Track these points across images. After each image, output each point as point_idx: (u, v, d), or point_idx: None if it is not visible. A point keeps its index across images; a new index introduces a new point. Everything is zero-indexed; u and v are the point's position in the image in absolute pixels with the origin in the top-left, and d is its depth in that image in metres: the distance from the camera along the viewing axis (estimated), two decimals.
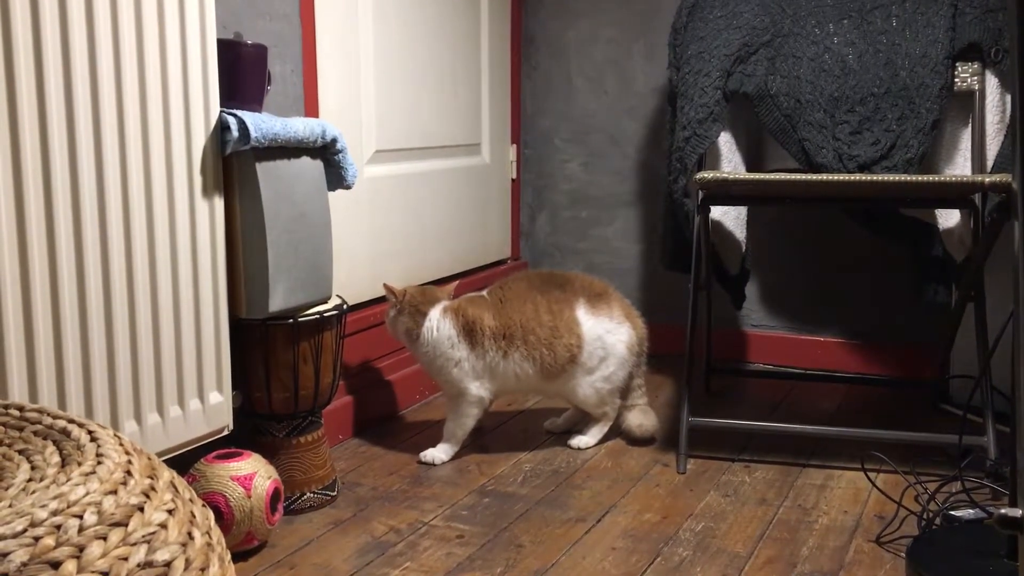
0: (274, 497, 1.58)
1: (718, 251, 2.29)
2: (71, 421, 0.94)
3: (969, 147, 2.05)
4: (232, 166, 1.60)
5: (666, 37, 2.42)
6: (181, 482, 0.94)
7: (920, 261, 2.29)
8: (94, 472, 0.83)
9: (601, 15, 2.80)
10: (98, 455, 0.87)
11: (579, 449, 2.07)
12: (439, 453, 2.00)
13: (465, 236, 2.65)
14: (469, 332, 1.98)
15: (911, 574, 1.47)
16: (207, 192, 1.55)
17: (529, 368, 1.99)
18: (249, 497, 1.53)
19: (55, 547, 0.74)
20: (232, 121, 1.55)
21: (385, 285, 2.02)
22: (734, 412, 2.31)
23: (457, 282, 2.16)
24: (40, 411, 0.96)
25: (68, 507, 0.78)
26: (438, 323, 1.98)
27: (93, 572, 0.75)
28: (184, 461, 1.58)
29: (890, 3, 2.10)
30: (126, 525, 0.80)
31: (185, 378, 1.55)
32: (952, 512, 1.63)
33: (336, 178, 1.78)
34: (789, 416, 2.28)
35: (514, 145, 2.90)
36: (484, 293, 2.07)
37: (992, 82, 2.01)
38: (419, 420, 2.27)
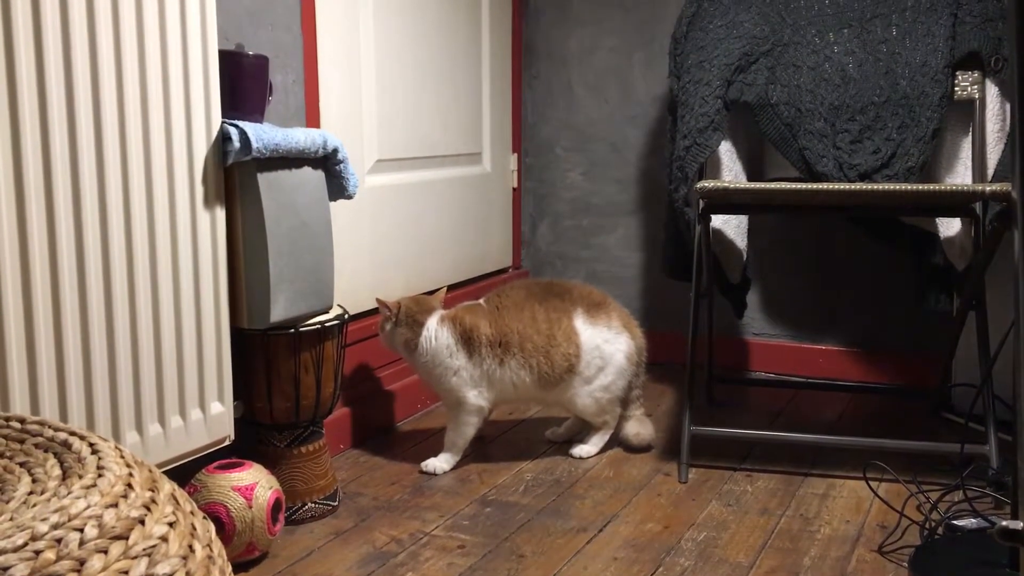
0: (275, 507, 1.58)
1: (719, 260, 2.29)
2: (72, 433, 0.94)
3: (970, 156, 2.05)
4: (234, 176, 1.60)
5: (667, 46, 2.43)
6: (182, 494, 0.94)
7: (921, 270, 2.29)
8: (95, 485, 0.83)
9: (602, 24, 2.81)
10: (99, 468, 0.87)
11: (580, 458, 2.07)
12: (440, 463, 1.99)
13: (466, 245, 2.66)
14: (467, 340, 1.98)
15: None
16: (208, 202, 1.56)
17: (526, 376, 1.99)
18: (250, 507, 1.53)
19: (56, 561, 0.74)
20: (234, 131, 1.56)
21: (378, 300, 2.02)
22: (736, 421, 2.31)
23: (445, 287, 2.16)
24: (41, 423, 0.96)
25: (69, 520, 0.78)
26: (436, 332, 1.98)
27: None
28: (185, 471, 1.58)
29: (890, 12, 2.10)
30: (127, 538, 0.80)
31: (186, 388, 1.55)
32: (954, 521, 1.63)
33: (337, 188, 1.79)
34: (791, 425, 2.28)
35: (515, 154, 2.90)
36: (481, 301, 2.07)
37: (992, 91, 2.02)
38: (420, 430, 2.27)
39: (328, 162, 1.75)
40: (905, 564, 1.57)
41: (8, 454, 0.91)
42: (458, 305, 2.07)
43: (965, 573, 1.46)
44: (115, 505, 0.82)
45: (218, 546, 0.93)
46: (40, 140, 1.28)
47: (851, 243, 2.56)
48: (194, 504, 0.96)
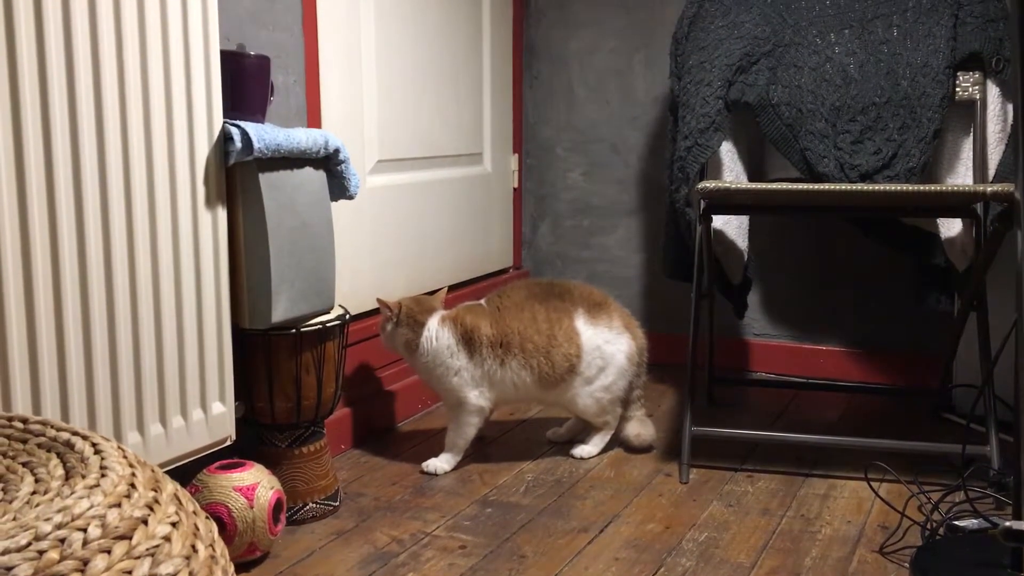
0: (276, 507, 1.58)
1: (720, 260, 2.29)
2: (75, 433, 0.94)
3: (971, 156, 2.05)
4: (235, 177, 1.60)
5: (667, 47, 2.43)
6: (184, 494, 0.94)
7: (922, 270, 2.29)
8: (98, 485, 0.83)
9: (603, 25, 2.81)
10: (102, 468, 0.87)
11: (581, 459, 2.07)
12: (441, 463, 1.99)
13: (467, 245, 2.66)
14: (467, 341, 1.98)
15: None
16: (210, 202, 1.56)
17: (527, 376, 1.99)
18: (252, 508, 1.53)
19: (59, 561, 0.74)
20: (235, 132, 1.56)
21: (379, 300, 2.02)
22: (737, 421, 2.31)
23: (446, 288, 2.16)
24: (44, 423, 0.96)
25: (72, 520, 0.78)
26: (436, 332, 1.98)
27: None
28: (187, 472, 1.58)
29: (891, 13, 2.10)
30: (130, 538, 0.80)
31: (188, 389, 1.55)
32: (955, 522, 1.63)
33: (339, 188, 1.79)
34: (792, 425, 2.28)
35: (516, 154, 2.90)
36: (482, 302, 2.08)
37: (993, 91, 2.02)
38: (421, 430, 2.27)
39: (329, 162, 1.75)
40: (906, 565, 1.57)
41: (11, 454, 0.91)
42: (459, 305, 2.08)
43: (966, 574, 1.46)
44: (118, 505, 0.82)
45: (220, 546, 0.93)
46: (42, 140, 1.28)
47: (851, 243, 2.56)
48: (196, 504, 0.96)
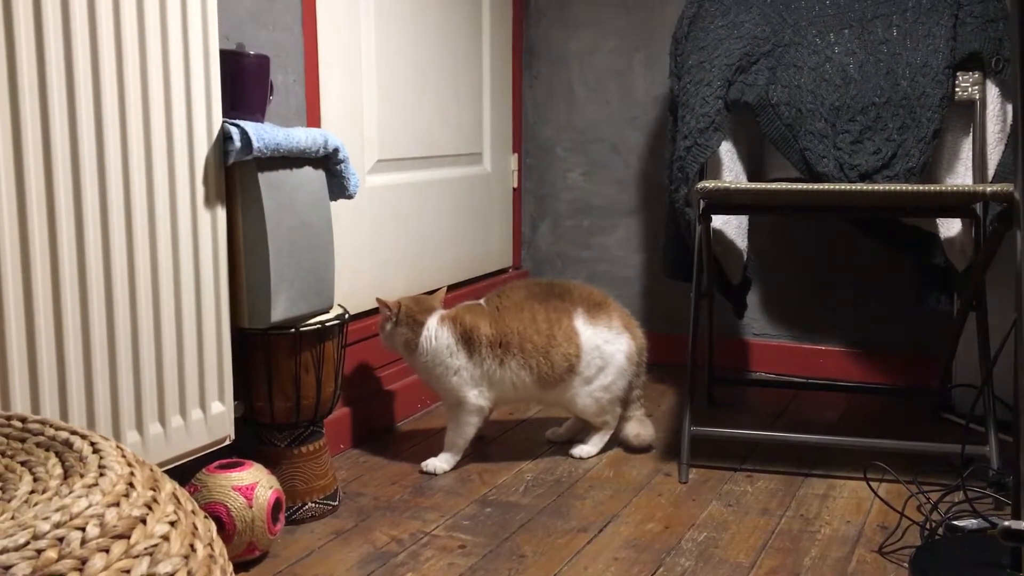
0: (276, 507, 1.58)
1: (720, 260, 2.29)
2: (73, 432, 0.94)
3: (970, 156, 2.05)
4: (234, 176, 1.60)
5: (667, 47, 2.43)
6: (183, 494, 0.94)
7: (922, 270, 2.29)
8: (96, 484, 0.83)
9: (603, 25, 2.81)
10: (100, 467, 0.86)
11: (581, 458, 2.07)
12: (440, 463, 1.99)
13: (467, 245, 2.66)
14: (467, 340, 1.98)
15: None
16: (209, 202, 1.56)
17: (526, 376, 1.99)
18: (251, 507, 1.53)
19: (57, 560, 0.74)
20: (235, 131, 1.56)
21: (378, 299, 2.02)
22: (736, 421, 2.31)
23: (445, 287, 2.16)
24: (43, 422, 0.96)
25: (70, 519, 0.78)
26: (436, 332, 1.98)
27: None
28: (186, 471, 1.58)
29: (891, 13, 2.10)
30: (128, 537, 0.80)
31: (187, 388, 1.55)
32: (955, 522, 1.63)
33: (338, 188, 1.79)
34: (791, 425, 2.28)
35: (516, 154, 2.90)
36: (482, 302, 2.08)
37: (993, 91, 2.02)
38: (420, 429, 2.27)
39: (329, 162, 1.75)
40: (905, 564, 1.57)
41: (9, 453, 0.91)
42: (458, 305, 2.08)
43: (966, 574, 1.46)
44: (117, 504, 0.82)
45: (219, 545, 0.93)
46: (41, 139, 1.28)
47: (851, 243, 2.56)
48: (195, 503, 0.95)
